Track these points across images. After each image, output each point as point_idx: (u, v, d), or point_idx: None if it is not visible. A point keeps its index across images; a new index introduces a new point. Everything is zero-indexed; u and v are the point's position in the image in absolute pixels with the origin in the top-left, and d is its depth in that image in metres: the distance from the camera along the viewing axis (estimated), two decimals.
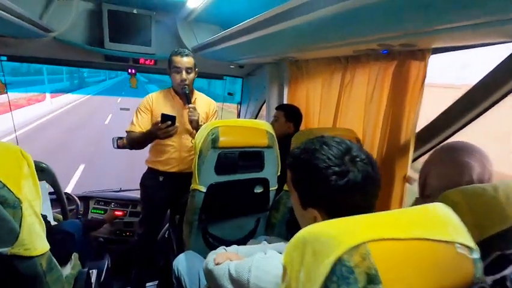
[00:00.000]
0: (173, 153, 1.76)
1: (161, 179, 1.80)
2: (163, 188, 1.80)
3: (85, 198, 2.42)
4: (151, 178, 1.83)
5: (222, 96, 3.01)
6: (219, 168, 1.23)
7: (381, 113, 1.37)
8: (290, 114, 1.91)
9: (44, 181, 1.47)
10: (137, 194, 1.97)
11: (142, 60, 2.22)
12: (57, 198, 1.65)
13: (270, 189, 1.39)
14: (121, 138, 2.07)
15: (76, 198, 2.21)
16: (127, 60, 2.20)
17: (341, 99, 1.61)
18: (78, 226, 1.42)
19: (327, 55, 1.58)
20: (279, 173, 1.40)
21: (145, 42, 2.13)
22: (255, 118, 2.87)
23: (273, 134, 1.32)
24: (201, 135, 1.22)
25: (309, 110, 1.96)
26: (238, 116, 3.11)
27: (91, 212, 2.38)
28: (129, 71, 2.33)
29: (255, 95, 2.75)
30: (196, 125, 1.61)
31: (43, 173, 1.48)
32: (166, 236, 2.30)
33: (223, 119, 1.91)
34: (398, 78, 1.27)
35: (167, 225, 2.26)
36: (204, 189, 1.23)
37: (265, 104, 2.59)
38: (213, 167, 1.22)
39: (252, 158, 1.29)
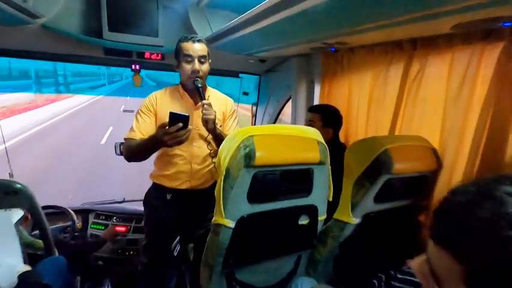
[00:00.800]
0: (182, 165, 1.42)
1: (168, 197, 1.48)
2: (171, 209, 1.48)
3: (83, 212, 2.12)
4: (156, 196, 1.51)
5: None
6: (253, 195, 0.87)
7: (472, 117, 0.99)
8: (328, 118, 1.54)
9: (18, 208, 1.09)
10: (142, 206, 1.66)
11: (147, 54, 1.88)
12: (38, 228, 1.28)
13: (318, 219, 1.03)
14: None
15: (73, 213, 1.89)
16: (130, 54, 1.87)
17: (404, 98, 1.23)
18: (60, 266, 1.08)
19: (389, 38, 1.19)
20: (330, 198, 1.03)
21: (151, 32, 1.80)
22: (274, 121, 2.54)
23: (325, 145, 0.96)
24: (227, 148, 0.86)
25: (351, 112, 1.58)
26: (254, 118, 2.78)
27: (90, 227, 2.08)
28: (133, 67, 2.00)
29: (276, 94, 2.41)
30: (212, 126, 1.28)
31: (17, 196, 1.09)
32: (175, 254, 1.98)
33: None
34: (506, 66, 0.89)
35: (177, 240, 1.95)
36: (232, 225, 0.87)
37: (288, 105, 2.25)
38: (245, 193, 0.86)
39: (297, 178, 0.93)
